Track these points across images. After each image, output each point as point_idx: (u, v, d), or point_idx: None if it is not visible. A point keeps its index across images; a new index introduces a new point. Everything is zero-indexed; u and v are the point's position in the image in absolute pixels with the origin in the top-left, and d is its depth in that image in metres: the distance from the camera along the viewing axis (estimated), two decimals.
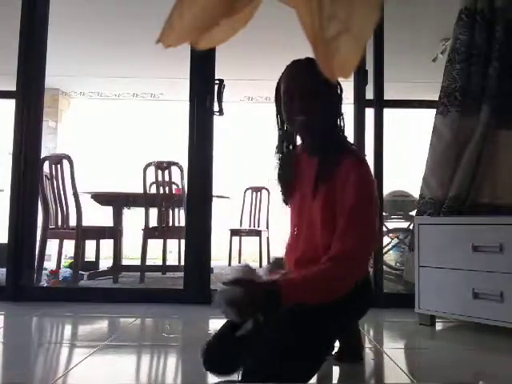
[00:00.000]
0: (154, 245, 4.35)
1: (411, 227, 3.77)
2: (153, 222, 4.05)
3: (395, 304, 2.78)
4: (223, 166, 3.17)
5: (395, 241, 4.46)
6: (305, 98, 1.48)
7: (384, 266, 3.15)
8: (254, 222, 5.78)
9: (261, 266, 4.97)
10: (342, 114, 1.61)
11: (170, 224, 4.05)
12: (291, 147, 1.62)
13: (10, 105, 3.03)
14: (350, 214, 1.38)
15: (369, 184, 1.44)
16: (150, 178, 4.06)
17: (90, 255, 4.29)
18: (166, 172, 4.02)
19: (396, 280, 3.55)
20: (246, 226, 5.73)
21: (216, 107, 2.98)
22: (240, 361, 1.34)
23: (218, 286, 1.31)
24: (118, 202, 4.20)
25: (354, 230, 1.38)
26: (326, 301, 1.33)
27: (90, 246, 4.05)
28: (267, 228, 5.76)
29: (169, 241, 4.49)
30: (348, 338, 1.69)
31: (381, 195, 2.98)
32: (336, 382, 1.55)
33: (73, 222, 3.70)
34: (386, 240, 4.05)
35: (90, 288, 3.46)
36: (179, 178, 3.98)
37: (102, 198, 4.20)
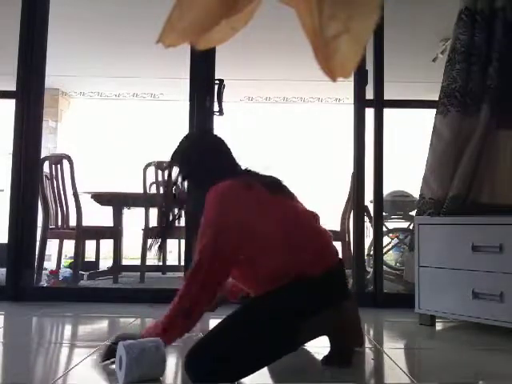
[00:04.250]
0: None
1: (411, 227, 3.78)
2: (153, 222, 4.05)
3: (395, 304, 2.78)
4: None
5: (395, 241, 4.46)
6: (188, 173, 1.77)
7: (384, 266, 3.15)
8: None
9: None
10: (210, 159, 1.74)
11: None
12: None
13: (10, 105, 3.03)
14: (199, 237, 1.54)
15: (209, 202, 1.55)
16: (150, 178, 4.06)
17: (90, 255, 4.29)
18: (166, 172, 4.00)
19: (396, 280, 3.55)
20: None
21: (216, 107, 2.98)
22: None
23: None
24: (117, 201, 4.20)
25: (197, 252, 1.50)
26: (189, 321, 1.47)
27: (90, 246, 4.05)
28: None
29: (169, 241, 4.49)
30: (333, 342, 1.66)
31: (381, 195, 2.98)
32: (335, 382, 1.55)
33: (73, 222, 3.70)
34: (386, 240, 4.05)
35: (89, 288, 3.46)
36: None
37: (102, 198, 4.20)
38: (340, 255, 1.70)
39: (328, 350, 1.65)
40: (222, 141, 1.81)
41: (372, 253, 3.04)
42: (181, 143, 1.82)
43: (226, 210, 1.52)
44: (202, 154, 1.75)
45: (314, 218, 1.69)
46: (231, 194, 1.55)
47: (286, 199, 1.67)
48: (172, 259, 4.86)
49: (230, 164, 1.75)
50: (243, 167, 1.76)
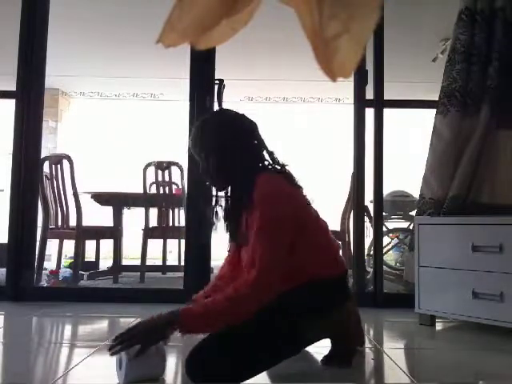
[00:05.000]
0: (154, 245, 4.35)
1: (411, 227, 3.77)
2: (153, 222, 4.06)
3: (395, 304, 2.78)
4: None
5: (395, 241, 4.46)
6: (202, 162, 1.60)
7: (384, 266, 3.15)
8: None
9: None
10: (244, 145, 1.59)
11: (170, 224, 4.05)
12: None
13: (10, 105, 3.03)
14: (254, 241, 1.43)
15: (265, 202, 1.44)
16: (150, 177, 4.06)
17: (90, 255, 4.29)
18: (166, 172, 4.02)
19: (396, 280, 3.55)
20: None
21: (216, 107, 2.98)
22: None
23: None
24: (117, 201, 4.20)
25: (258, 261, 1.39)
26: (227, 324, 1.38)
27: (90, 246, 4.06)
28: None
29: (169, 241, 4.49)
30: (334, 342, 1.65)
31: (381, 195, 2.98)
32: (335, 382, 1.55)
33: (73, 222, 3.70)
34: (386, 240, 4.05)
35: (90, 288, 3.46)
36: (179, 178, 3.98)
37: (101, 198, 4.20)
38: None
39: (328, 349, 1.66)
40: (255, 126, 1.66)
41: (372, 253, 3.04)
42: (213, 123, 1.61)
43: (285, 208, 1.45)
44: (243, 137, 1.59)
45: (327, 226, 1.69)
46: (286, 189, 1.51)
47: (309, 204, 1.66)
48: (172, 259, 4.86)
49: (261, 154, 1.63)
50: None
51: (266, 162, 1.61)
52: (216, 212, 1.65)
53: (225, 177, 1.58)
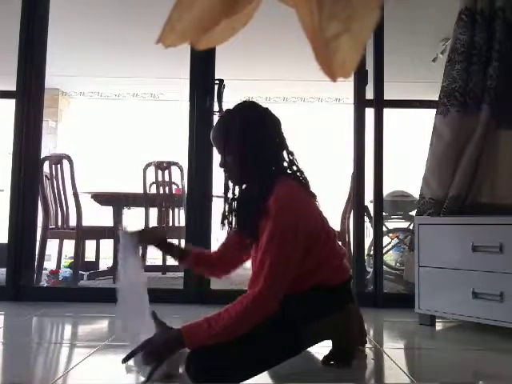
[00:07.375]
0: None
1: (411, 227, 3.77)
2: (153, 222, 4.05)
3: (395, 304, 2.78)
4: None
5: (395, 241, 4.46)
6: (222, 155, 1.55)
7: (384, 266, 3.15)
8: None
9: None
10: (267, 143, 1.56)
11: (170, 224, 4.05)
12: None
13: (10, 105, 3.03)
14: (261, 254, 1.41)
15: (280, 214, 1.41)
16: (150, 178, 4.06)
17: (90, 255, 4.29)
18: (166, 172, 4.02)
19: (396, 280, 3.55)
20: None
21: (216, 107, 2.98)
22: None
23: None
24: (117, 202, 4.19)
25: (264, 275, 1.37)
26: (232, 337, 1.36)
27: (90, 246, 4.05)
28: None
29: (168, 241, 4.49)
30: (336, 342, 1.64)
31: (381, 195, 2.98)
32: (335, 382, 1.55)
33: (73, 222, 3.70)
34: (386, 240, 4.05)
35: (90, 288, 3.46)
36: (179, 178, 3.98)
37: (101, 198, 4.19)
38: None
39: (328, 349, 1.66)
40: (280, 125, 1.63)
41: (372, 253, 3.04)
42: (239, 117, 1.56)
43: (297, 223, 1.43)
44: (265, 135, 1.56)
45: (335, 234, 1.69)
46: (301, 203, 1.49)
47: (322, 214, 1.64)
48: (172, 259, 4.85)
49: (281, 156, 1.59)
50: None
51: (285, 164, 1.59)
52: (230, 208, 1.61)
53: (243, 173, 1.56)
